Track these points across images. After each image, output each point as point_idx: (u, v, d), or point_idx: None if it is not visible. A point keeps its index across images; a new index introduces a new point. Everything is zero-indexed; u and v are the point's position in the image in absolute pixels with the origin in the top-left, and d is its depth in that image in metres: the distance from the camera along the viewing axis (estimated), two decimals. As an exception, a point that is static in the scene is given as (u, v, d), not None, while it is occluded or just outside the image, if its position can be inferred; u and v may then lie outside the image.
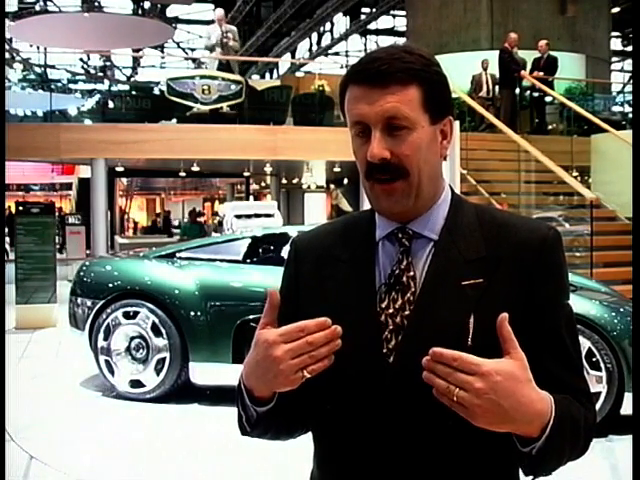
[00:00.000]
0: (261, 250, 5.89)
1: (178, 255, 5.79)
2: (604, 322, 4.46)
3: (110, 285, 5.60)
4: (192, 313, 5.26)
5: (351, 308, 1.16)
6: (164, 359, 5.29)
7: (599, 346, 4.37)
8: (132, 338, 5.40)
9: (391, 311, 1.14)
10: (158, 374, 5.30)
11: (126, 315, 5.41)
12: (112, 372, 5.42)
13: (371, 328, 1.14)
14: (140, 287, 5.48)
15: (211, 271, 5.57)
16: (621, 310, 4.68)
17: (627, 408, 4.30)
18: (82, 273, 5.86)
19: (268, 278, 5.21)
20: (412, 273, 1.15)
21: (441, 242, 1.16)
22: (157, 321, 5.30)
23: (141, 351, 5.39)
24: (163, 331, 5.29)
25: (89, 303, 5.53)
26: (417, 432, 1.09)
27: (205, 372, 5.27)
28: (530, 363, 1.11)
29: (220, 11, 12.33)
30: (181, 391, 5.39)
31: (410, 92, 1.10)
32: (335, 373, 1.14)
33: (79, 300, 5.65)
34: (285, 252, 4.42)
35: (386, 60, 1.10)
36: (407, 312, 1.14)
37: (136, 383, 5.37)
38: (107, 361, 5.42)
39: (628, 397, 4.33)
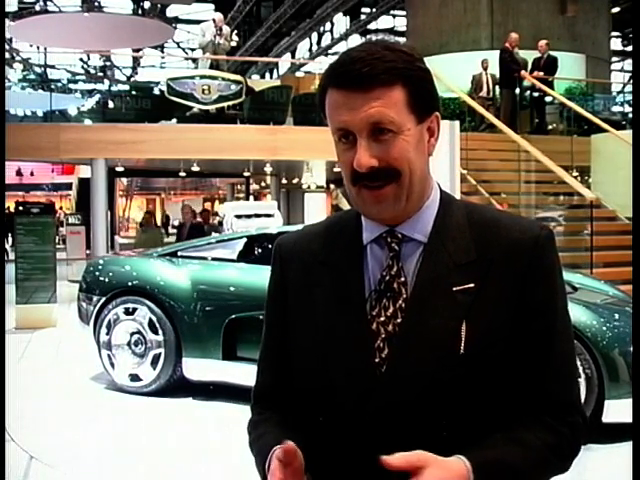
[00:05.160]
0: (261, 249, 5.92)
1: (179, 254, 5.91)
2: (595, 330, 4.30)
3: (111, 282, 5.80)
4: (185, 310, 5.38)
5: (341, 316, 1.13)
6: (160, 354, 5.42)
7: (577, 351, 4.25)
8: (132, 334, 5.56)
9: (382, 319, 1.11)
10: (154, 369, 5.44)
11: (126, 311, 5.58)
12: (113, 366, 5.61)
13: (363, 337, 1.11)
14: (138, 284, 5.64)
15: (205, 269, 5.67)
16: (615, 316, 4.52)
17: (608, 415, 4.14)
18: (88, 271, 6.09)
19: (261, 277, 5.25)
20: (403, 279, 1.12)
21: (430, 246, 1.13)
22: (154, 318, 5.45)
23: (140, 346, 5.53)
24: (159, 327, 5.42)
25: (93, 299, 5.76)
26: (410, 443, 1.05)
27: (198, 368, 5.37)
28: (519, 366, 1.10)
29: (219, 14, 12.63)
30: (178, 386, 5.47)
31: (394, 94, 1.06)
32: (327, 384, 1.12)
33: (85, 296, 5.89)
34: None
35: (367, 61, 1.04)
36: (399, 320, 1.10)
37: (135, 377, 5.53)
38: (109, 355, 5.61)
39: (609, 405, 4.16)
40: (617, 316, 4.55)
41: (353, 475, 1.11)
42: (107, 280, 5.85)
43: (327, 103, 1.10)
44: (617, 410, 4.11)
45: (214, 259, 5.80)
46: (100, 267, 6.07)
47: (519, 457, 1.06)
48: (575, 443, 1.12)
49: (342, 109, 1.07)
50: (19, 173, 29.80)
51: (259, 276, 5.29)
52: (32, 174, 29.82)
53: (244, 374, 4.99)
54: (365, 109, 1.05)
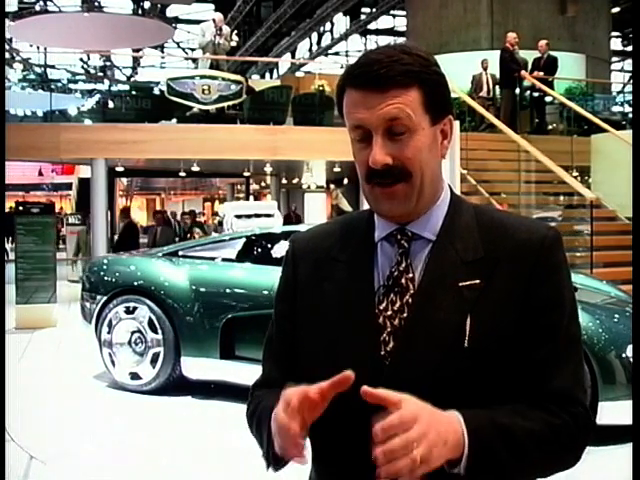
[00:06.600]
0: (262, 249, 5.93)
1: (181, 253, 5.96)
2: (591, 332, 4.22)
3: (112, 281, 5.86)
4: (183, 309, 5.42)
5: (349, 310, 1.16)
6: (159, 353, 5.46)
7: None
8: (132, 332, 5.61)
9: (389, 313, 1.14)
10: (154, 367, 5.47)
11: (127, 310, 5.63)
12: (113, 364, 5.67)
13: (369, 330, 1.13)
14: (138, 284, 5.68)
15: (203, 269, 5.70)
16: (614, 317, 4.48)
17: (602, 418, 4.04)
18: (92, 270, 6.15)
19: (260, 277, 5.30)
20: (411, 275, 1.15)
21: (439, 243, 1.16)
22: (153, 317, 5.48)
23: (140, 345, 5.58)
24: (158, 326, 5.46)
25: (95, 298, 5.82)
26: None
27: (196, 367, 5.40)
28: (522, 362, 1.11)
29: (219, 14, 12.67)
30: (177, 385, 5.50)
31: (410, 95, 1.09)
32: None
33: (88, 296, 5.95)
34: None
35: (385, 63, 1.08)
36: (405, 314, 1.13)
37: (135, 375, 5.57)
38: (109, 353, 5.68)
39: (603, 407, 4.10)
40: (616, 317, 4.52)
41: (356, 466, 1.12)
42: (110, 279, 5.90)
43: (345, 103, 1.14)
44: (613, 412, 4.06)
45: (214, 259, 5.81)
46: (103, 266, 6.12)
47: (513, 422, 1.06)
48: (579, 433, 1.12)
49: (360, 107, 1.10)
50: (40, 173, 29.91)
51: (257, 276, 5.34)
52: (56, 173, 29.79)
53: (242, 373, 5.02)
54: (382, 107, 1.08)
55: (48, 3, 24.93)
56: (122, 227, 11.63)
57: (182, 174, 14.52)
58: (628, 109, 15.24)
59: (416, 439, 0.94)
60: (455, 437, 1.00)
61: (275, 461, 1.13)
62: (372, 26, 28.60)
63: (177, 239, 12.80)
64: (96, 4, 24.37)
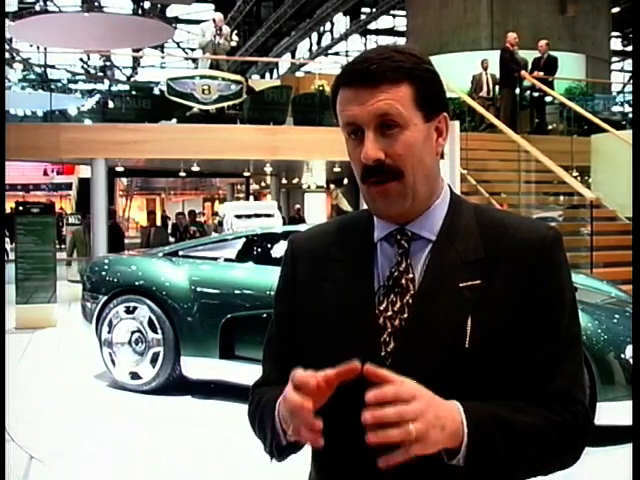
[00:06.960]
0: (263, 249, 5.94)
1: (181, 253, 5.97)
2: (589, 333, 4.20)
3: (113, 281, 5.87)
4: (183, 309, 5.43)
5: (349, 310, 1.15)
6: (159, 353, 5.47)
7: None
8: (133, 332, 5.62)
9: (390, 314, 1.13)
10: (154, 367, 5.49)
11: (127, 310, 5.65)
12: (114, 363, 5.69)
13: (369, 331, 1.13)
14: (138, 284, 5.70)
15: (203, 269, 5.71)
16: (613, 318, 4.47)
17: (601, 418, 3.99)
18: (93, 270, 6.16)
19: (259, 277, 5.31)
20: (411, 275, 1.14)
21: (439, 244, 1.15)
22: (153, 317, 5.49)
23: (140, 344, 5.60)
24: (158, 326, 5.47)
25: (96, 298, 5.83)
26: None
27: (196, 366, 5.41)
28: (523, 362, 1.11)
29: (219, 14, 12.69)
30: (177, 385, 5.51)
31: (401, 90, 1.09)
32: None
33: (90, 295, 5.97)
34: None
35: (376, 60, 1.09)
36: (406, 315, 1.12)
37: (135, 375, 5.58)
38: (110, 353, 5.69)
39: (601, 407, 4.07)
40: (615, 318, 4.51)
41: (356, 466, 1.12)
42: (111, 279, 5.91)
43: (338, 101, 1.14)
44: (612, 413, 4.04)
45: (214, 259, 5.82)
46: (104, 266, 6.14)
47: (514, 416, 1.06)
48: (578, 432, 1.11)
49: (351, 104, 1.11)
50: (45, 173, 29.95)
51: (257, 276, 5.34)
52: (59, 173, 29.84)
53: (242, 373, 5.02)
54: (372, 102, 1.09)
55: (48, 3, 24.93)
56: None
57: (182, 174, 14.52)
58: (628, 109, 15.23)
59: (413, 414, 0.95)
60: (454, 425, 1.00)
61: (279, 451, 1.13)
62: (372, 26, 28.61)
63: (173, 239, 12.83)
64: (96, 4, 24.37)
